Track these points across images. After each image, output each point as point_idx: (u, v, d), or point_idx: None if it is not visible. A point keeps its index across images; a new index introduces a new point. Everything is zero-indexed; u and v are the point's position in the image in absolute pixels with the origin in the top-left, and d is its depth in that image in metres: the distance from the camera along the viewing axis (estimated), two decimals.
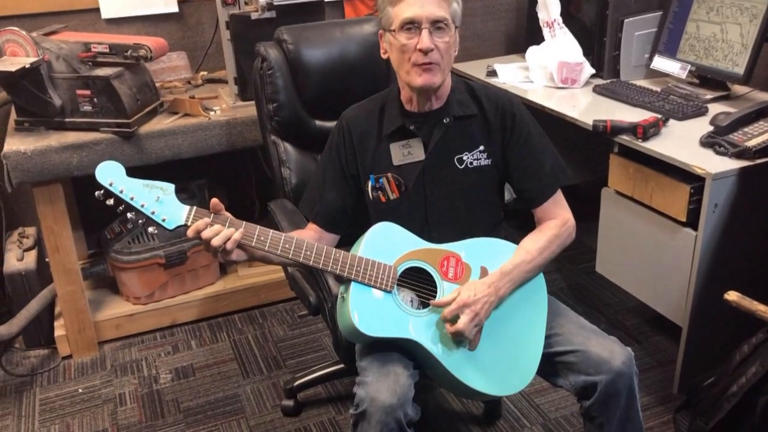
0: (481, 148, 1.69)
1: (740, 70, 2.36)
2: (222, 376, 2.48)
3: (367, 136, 1.73)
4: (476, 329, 1.54)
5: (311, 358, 2.55)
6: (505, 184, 1.78)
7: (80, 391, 2.45)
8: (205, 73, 2.92)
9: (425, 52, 1.55)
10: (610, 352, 1.55)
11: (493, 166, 1.70)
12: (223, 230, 1.48)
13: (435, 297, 1.59)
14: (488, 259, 1.64)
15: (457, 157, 1.69)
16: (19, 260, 2.62)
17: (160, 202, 1.47)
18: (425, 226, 1.70)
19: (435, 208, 1.70)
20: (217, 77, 2.88)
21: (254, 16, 2.43)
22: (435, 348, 1.54)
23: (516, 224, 1.92)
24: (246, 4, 2.52)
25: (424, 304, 1.60)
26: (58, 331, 2.61)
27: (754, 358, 1.88)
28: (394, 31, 1.59)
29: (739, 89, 2.47)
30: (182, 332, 2.74)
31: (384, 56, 1.68)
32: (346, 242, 1.72)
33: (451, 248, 1.64)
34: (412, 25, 1.56)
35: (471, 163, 1.69)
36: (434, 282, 1.61)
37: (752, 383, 1.85)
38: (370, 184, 1.72)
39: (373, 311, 1.54)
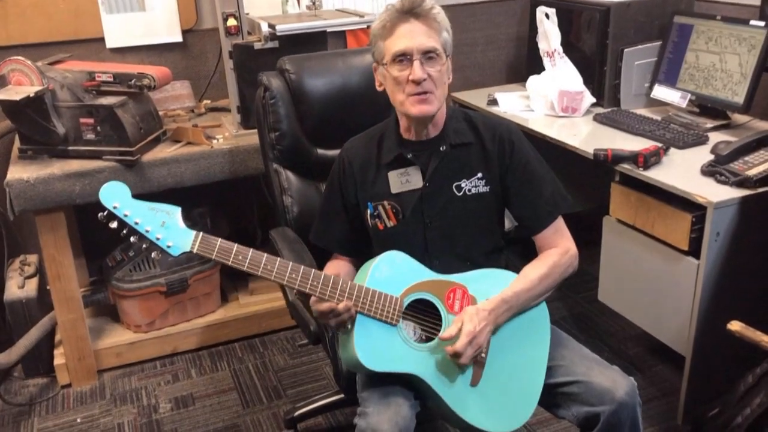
0: (479, 175, 1.70)
1: (740, 99, 2.37)
2: (222, 406, 2.46)
3: (367, 165, 1.75)
4: (473, 353, 1.52)
5: (311, 387, 2.53)
6: (505, 212, 1.78)
7: (79, 420, 2.42)
8: (209, 101, 2.94)
9: (418, 82, 1.58)
10: (612, 382, 1.53)
11: (491, 193, 1.71)
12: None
13: (439, 330, 1.58)
14: (495, 291, 1.62)
15: (456, 184, 1.69)
16: (20, 288, 2.61)
17: (165, 227, 1.44)
18: (425, 254, 1.70)
19: (434, 236, 1.70)
20: (220, 106, 2.90)
21: (257, 46, 2.46)
22: (438, 384, 1.52)
23: (519, 251, 1.92)
24: (249, 34, 2.55)
25: (428, 337, 1.59)
26: (58, 360, 2.59)
27: (759, 388, 1.86)
28: (386, 64, 1.62)
29: (739, 118, 2.48)
30: (182, 361, 2.73)
31: (379, 89, 1.70)
32: None
33: (458, 280, 1.63)
34: (403, 57, 1.59)
35: (470, 190, 1.69)
36: (438, 313, 1.59)
37: (757, 414, 1.83)
38: (368, 211, 1.73)
39: (377, 345, 1.52)
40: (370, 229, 1.75)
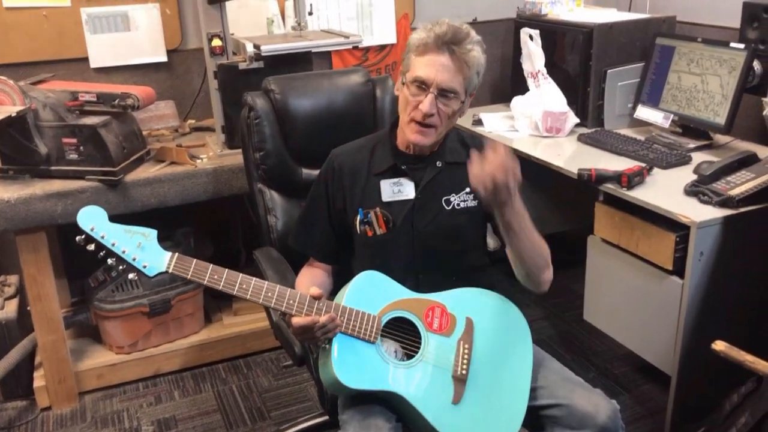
0: (467, 189, 1.72)
1: (721, 120, 2.39)
2: (205, 428, 2.43)
3: (358, 172, 1.76)
4: (504, 176, 1.44)
5: (296, 409, 2.50)
6: (488, 231, 1.79)
7: None
8: (193, 121, 2.94)
9: (424, 115, 1.59)
10: (594, 406, 1.53)
11: (479, 208, 1.73)
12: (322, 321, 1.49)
13: (419, 348, 1.57)
14: (473, 309, 1.63)
15: (445, 198, 1.72)
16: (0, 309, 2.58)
17: (141, 248, 1.46)
18: (411, 264, 1.70)
19: (423, 247, 1.71)
20: (205, 126, 2.89)
21: (242, 66, 2.46)
22: (418, 401, 1.51)
23: (504, 270, 1.91)
24: (234, 54, 2.55)
25: (408, 356, 1.58)
26: (38, 382, 2.55)
27: (744, 408, 1.86)
28: (406, 80, 1.63)
29: (721, 138, 2.50)
30: (165, 382, 2.69)
31: (396, 93, 1.72)
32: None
33: (436, 298, 1.63)
34: (422, 84, 1.59)
35: (458, 204, 1.72)
36: (418, 333, 1.59)
37: None
38: (358, 218, 1.73)
39: (355, 363, 1.52)
40: (358, 237, 1.75)
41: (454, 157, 1.73)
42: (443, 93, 1.58)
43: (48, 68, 2.73)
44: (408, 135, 1.65)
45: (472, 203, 1.72)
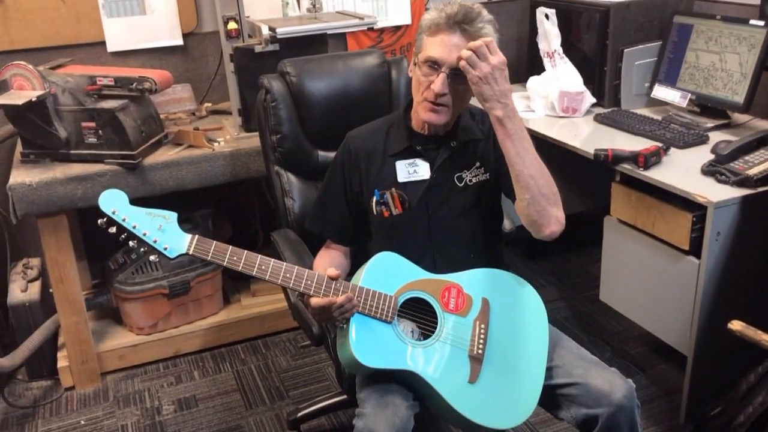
0: (478, 164, 1.74)
1: (740, 98, 2.37)
2: (225, 407, 2.47)
3: (373, 153, 1.77)
4: (477, 75, 1.50)
5: (314, 388, 2.54)
6: (504, 212, 1.79)
7: (82, 422, 2.43)
8: (210, 104, 2.95)
9: (436, 95, 1.59)
10: (610, 384, 1.54)
11: (492, 180, 1.74)
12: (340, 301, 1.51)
13: (435, 328, 1.59)
14: (489, 290, 1.64)
15: (457, 175, 1.73)
16: (23, 291, 2.62)
17: (162, 230, 1.48)
18: (428, 243, 1.72)
19: (438, 226, 1.72)
20: (222, 109, 2.91)
21: (258, 48, 2.47)
22: (435, 380, 1.53)
23: (520, 251, 1.92)
24: (250, 37, 2.56)
25: (424, 335, 1.60)
26: (61, 362, 2.60)
27: (761, 387, 1.87)
28: (418, 60, 1.63)
29: (739, 117, 2.48)
30: (185, 363, 2.73)
31: (409, 74, 1.72)
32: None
33: (453, 279, 1.65)
34: (434, 64, 1.59)
35: (470, 181, 1.73)
36: (435, 313, 1.61)
37: (759, 413, 1.84)
38: (374, 199, 1.75)
39: (372, 342, 1.54)
40: (374, 217, 1.76)
41: (468, 135, 1.74)
42: (455, 72, 1.58)
43: (65, 53, 2.75)
44: (421, 114, 1.66)
45: (483, 177, 1.73)
